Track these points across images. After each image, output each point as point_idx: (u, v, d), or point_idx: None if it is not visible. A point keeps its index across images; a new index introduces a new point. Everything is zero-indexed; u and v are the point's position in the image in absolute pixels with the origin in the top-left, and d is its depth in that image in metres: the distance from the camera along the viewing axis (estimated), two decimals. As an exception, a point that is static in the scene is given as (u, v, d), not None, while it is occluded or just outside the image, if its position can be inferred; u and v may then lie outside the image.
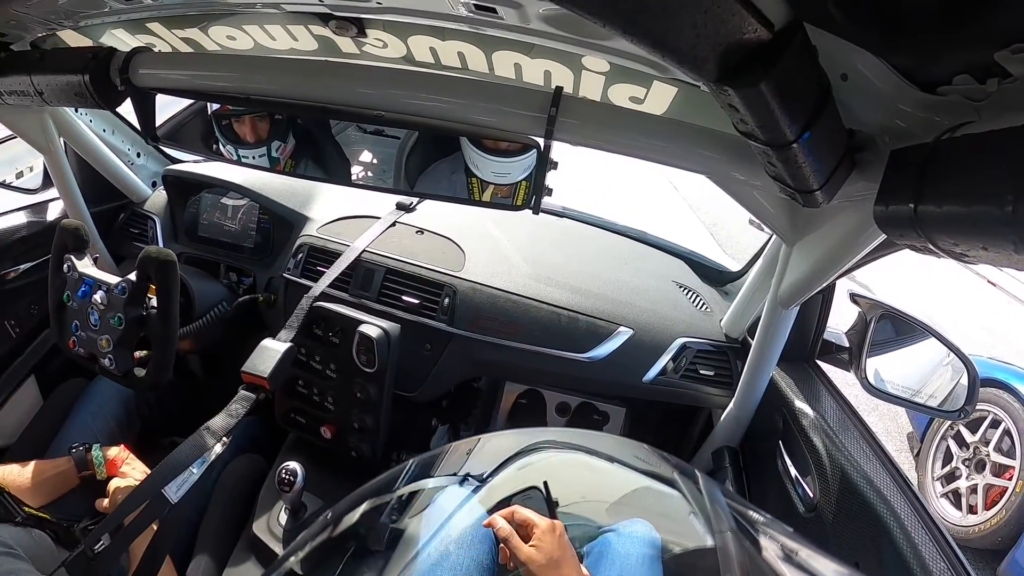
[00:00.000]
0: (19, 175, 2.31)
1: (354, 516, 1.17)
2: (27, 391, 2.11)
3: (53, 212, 2.26)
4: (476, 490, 1.21)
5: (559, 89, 1.04)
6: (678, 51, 0.58)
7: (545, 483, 1.19)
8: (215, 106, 1.68)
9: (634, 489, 1.23)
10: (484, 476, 1.22)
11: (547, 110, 1.05)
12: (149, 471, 1.36)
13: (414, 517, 1.20)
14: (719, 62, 0.60)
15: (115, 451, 1.57)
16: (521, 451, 1.24)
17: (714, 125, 1.01)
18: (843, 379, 1.63)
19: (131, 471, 1.53)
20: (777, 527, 0.98)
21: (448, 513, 1.18)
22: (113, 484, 1.48)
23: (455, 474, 1.21)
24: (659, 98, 1.14)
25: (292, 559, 1.15)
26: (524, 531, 1.13)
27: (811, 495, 1.40)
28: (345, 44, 1.29)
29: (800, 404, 1.53)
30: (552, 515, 1.13)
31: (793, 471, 1.48)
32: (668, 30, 0.55)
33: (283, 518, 1.65)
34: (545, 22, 0.95)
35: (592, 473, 1.24)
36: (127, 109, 1.49)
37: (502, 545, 1.14)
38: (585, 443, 1.25)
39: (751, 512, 1.02)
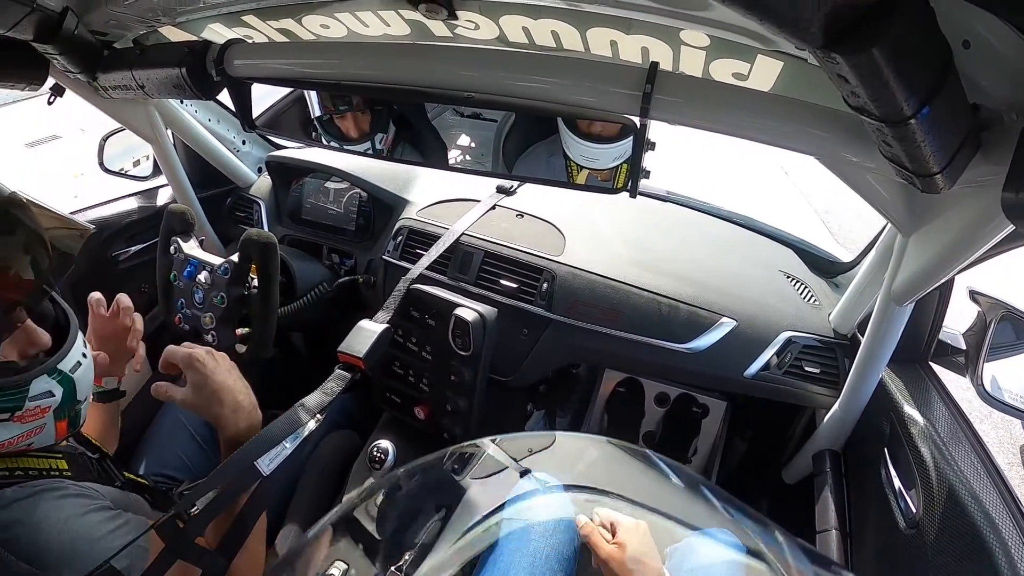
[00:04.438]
0: (136, 163, 2.48)
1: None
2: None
3: (162, 198, 2.44)
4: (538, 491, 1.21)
5: (654, 65, 0.99)
6: (778, 14, 0.52)
7: None
8: (315, 103, 1.73)
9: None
10: (549, 484, 1.21)
11: (642, 87, 0.99)
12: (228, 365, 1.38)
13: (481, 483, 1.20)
14: (825, 26, 0.54)
15: None
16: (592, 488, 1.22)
17: (824, 102, 0.93)
18: (956, 383, 1.51)
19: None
20: None
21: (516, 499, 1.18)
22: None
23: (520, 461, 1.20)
24: (764, 73, 1.06)
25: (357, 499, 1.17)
26: (608, 529, 1.12)
27: (914, 510, 1.29)
28: (437, 27, 1.27)
29: (910, 409, 1.42)
30: None
31: (897, 482, 1.38)
32: (765, -11, 0.50)
33: (379, 498, 1.68)
34: (634, -9, 0.90)
35: (668, 535, 1.19)
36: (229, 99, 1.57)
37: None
38: (660, 503, 1.19)
39: None
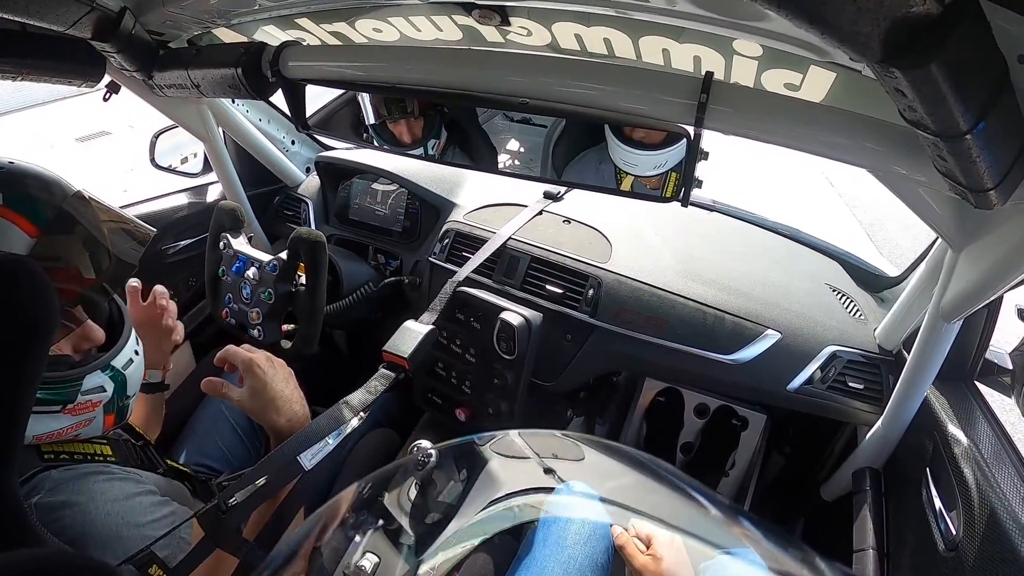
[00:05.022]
0: (183, 160, 2.53)
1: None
2: (182, 355, 2.32)
3: (212, 194, 2.50)
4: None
5: (709, 75, 0.99)
6: (838, 28, 0.53)
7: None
8: (370, 110, 1.76)
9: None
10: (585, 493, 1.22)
11: (697, 96, 0.99)
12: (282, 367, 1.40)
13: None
14: (884, 40, 0.54)
15: None
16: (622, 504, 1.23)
17: (876, 114, 0.92)
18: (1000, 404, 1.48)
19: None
20: None
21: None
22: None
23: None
24: (816, 84, 1.06)
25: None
26: (643, 541, 1.14)
27: (954, 532, 1.25)
28: (489, 33, 1.30)
29: (953, 429, 1.38)
30: None
31: (938, 503, 1.34)
32: (825, 4, 0.51)
33: (412, 493, 1.71)
34: (692, 3, 0.91)
35: (701, 552, 1.19)
36: (281, 100, 1.59)
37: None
38: (692, 522, 1.19)
39: None
